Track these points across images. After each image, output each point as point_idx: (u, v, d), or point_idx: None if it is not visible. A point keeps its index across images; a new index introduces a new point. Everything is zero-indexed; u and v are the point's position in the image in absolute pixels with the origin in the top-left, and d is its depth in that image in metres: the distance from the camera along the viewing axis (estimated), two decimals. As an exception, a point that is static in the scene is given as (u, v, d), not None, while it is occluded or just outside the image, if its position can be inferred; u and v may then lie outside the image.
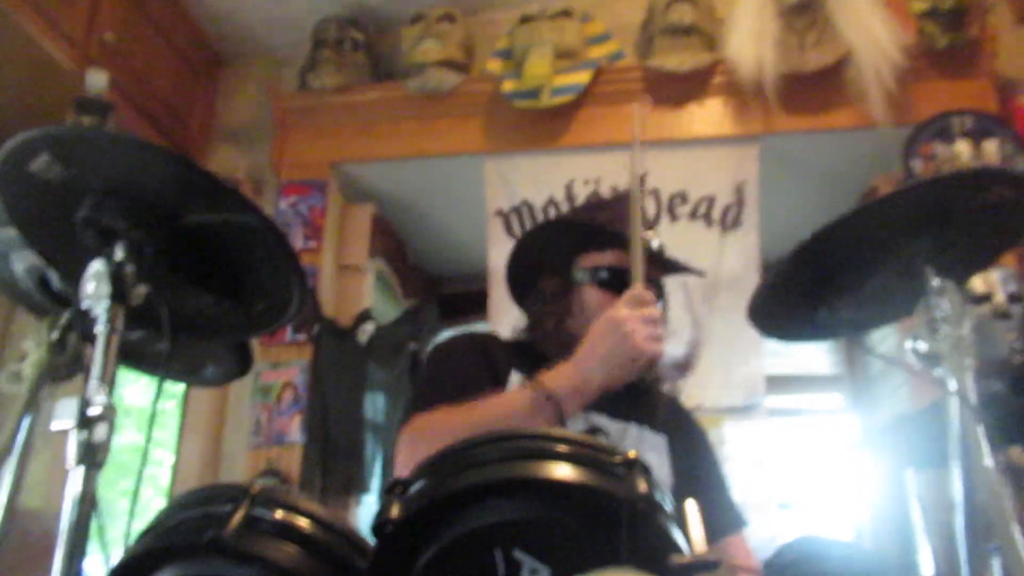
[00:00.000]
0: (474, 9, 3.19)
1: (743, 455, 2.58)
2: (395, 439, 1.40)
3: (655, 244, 1.52)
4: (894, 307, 1.28)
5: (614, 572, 0.79)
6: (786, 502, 2.62)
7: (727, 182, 2.82)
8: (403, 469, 1.31)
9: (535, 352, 1.52)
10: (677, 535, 0.85)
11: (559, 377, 1.28)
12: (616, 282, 1.46)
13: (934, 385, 1.10)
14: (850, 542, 2.70)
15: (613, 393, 1.48)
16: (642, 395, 1.54)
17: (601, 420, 1.43)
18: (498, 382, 1.43)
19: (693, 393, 2.64)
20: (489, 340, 1.57)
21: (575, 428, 1.35)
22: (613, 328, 1.27)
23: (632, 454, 0.85)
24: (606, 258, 1.50)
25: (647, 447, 1.43)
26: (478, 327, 3.09)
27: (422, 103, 3.03)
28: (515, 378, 1.45)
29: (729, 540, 1.48)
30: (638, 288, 1.32)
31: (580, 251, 1.52)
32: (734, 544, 1.48)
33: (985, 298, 1.38)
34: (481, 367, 1.45)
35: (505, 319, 2.69)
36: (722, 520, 1.47)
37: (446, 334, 1.66)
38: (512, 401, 1.29)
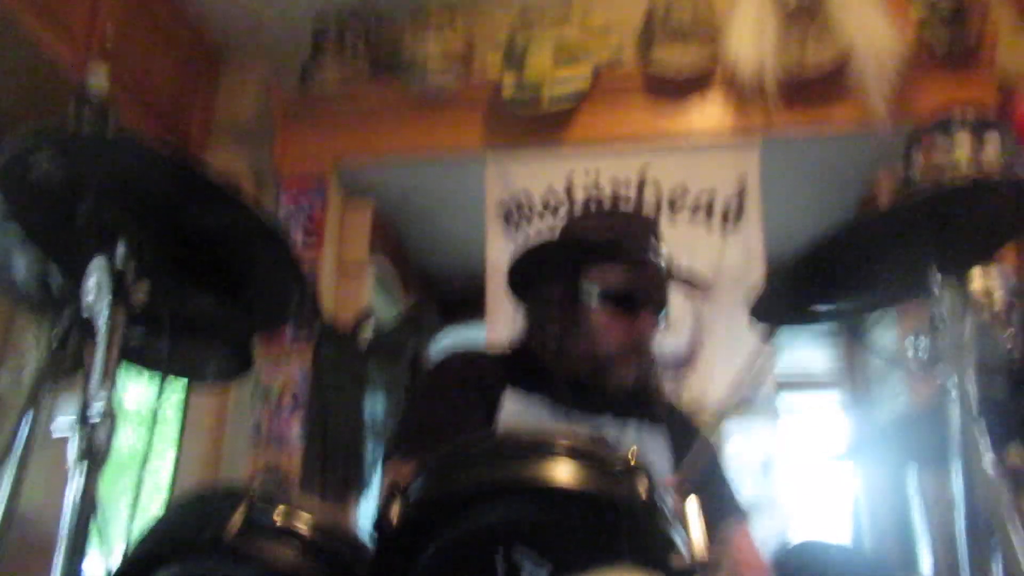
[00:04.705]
0: (475, 6, 3.18)
1: (746, 454, 2.58)
2: (383, 471, 1.41)
3: (662, 262, 1.49)
4: (893, 296, 1.28)
5: (614, 572, 0.79)
6: (791, 502, 2.62)
7: (727, 181, 2.82)
8: None
9: (532, 361, 1.51)
10: (678, 536, 0.85)
11: None
12: (623, 302, 1.45)
13: (934, 386, 1.10)
14: (850, 547, 2.71)
15: (614, 394, 1.49)
16: (642, 394, 1.54)
17: (601, 420, 1.43)
18: (487, 407, 1.41)
19: (696, 390, 2.65)
20: (481, 360, 1.53)
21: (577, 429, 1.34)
22: None
23: (632, 458, 0.85)
24: (615, 276, 1.47)
25: (647, 444, 1.43)
26: (474, 330, 3.09)
27: (423, 101, 3.03)
28: (509, 399, 1.42)
29: (731, 532, 1.46)
30: None
31: (589, 263, 1.48)
32: (736, 535, 1.47)
33: (984, 300, 1.39)
34: (468, 398, 1.42)
35: (501, 317, 2.71)
36: (723, 512, 1.46)
37: (442, 351, 1.64)
38: None
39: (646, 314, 1.46)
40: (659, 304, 1.49)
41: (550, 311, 1.49)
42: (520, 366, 1.49)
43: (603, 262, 1.48)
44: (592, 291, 1.46)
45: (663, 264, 1.49)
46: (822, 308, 1.30)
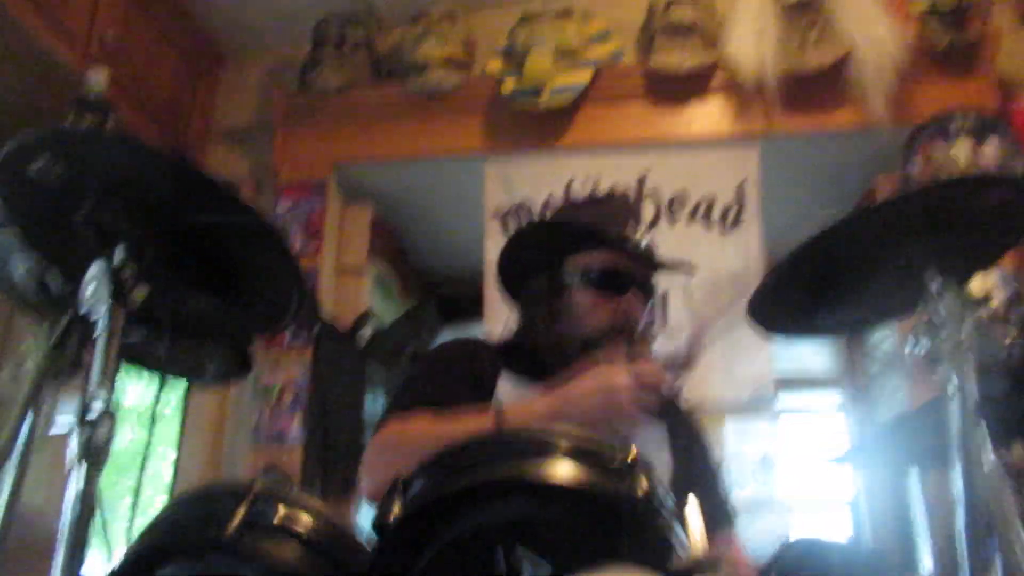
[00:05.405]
0: (475, 8, 3.19)
1: (746, 453, 2.58)
2: (374, 435, 1.40)
3: (643, 243, 1.54)
4: (894, 307, 1.28)
5: (615, 571, 0.79)
6: (791, 501, 2.63)
7: (727, 182, 2.82)
8: (369, 473, 1.33)
9: (527, 353, 1.52)
10: (678, 534, 0.85)
11: (529, 412, 1.27)
12: (606, 283, 1.48)
13: (934, 385, 1.10)
14: (850, 544, 2.70)
15: None
16: None
17: None
18: (482, 389, 1.43)
19: (695, 390, 2.65)
20: (478, 346, 1.56)
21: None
22: (605, 389, 1.27)
23: (633, 454, 0.86)
24: (596, 258, 1.50)
25: (647, 437, 1.43)
26: (473, 331, 3.09)
27: (422, 103, 3.03)
28: (504, 384, 1.44)
29: (720, 536, 1.48)
30: (654, 367, 1.33)
31: (570, 251, 1.52)
32: (725, 540, 1.49)
33: (984, 300, 1.39)
34: (464, 375, 1.44)
35: (500, 318, 2.70)
36: (714, 516, 1.48)
37: (442, 338, 1.67)
38: (478, 424, 1.25)
39: (631, 295, 1.48)
40: (643, 284, 1.51)
41: (538, 301, 1.53)
42: (513, 359, 1.51)
43: (585, 247, 1.50)
44: (575, 275, 1.50)
45: (644, 244, 1.53)
46: (823, 320, 1.30)
